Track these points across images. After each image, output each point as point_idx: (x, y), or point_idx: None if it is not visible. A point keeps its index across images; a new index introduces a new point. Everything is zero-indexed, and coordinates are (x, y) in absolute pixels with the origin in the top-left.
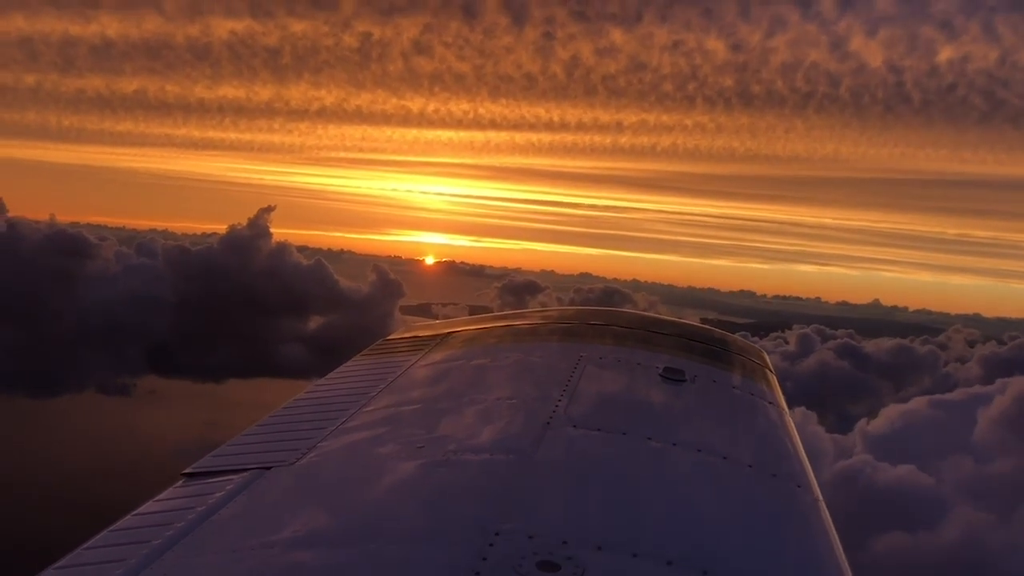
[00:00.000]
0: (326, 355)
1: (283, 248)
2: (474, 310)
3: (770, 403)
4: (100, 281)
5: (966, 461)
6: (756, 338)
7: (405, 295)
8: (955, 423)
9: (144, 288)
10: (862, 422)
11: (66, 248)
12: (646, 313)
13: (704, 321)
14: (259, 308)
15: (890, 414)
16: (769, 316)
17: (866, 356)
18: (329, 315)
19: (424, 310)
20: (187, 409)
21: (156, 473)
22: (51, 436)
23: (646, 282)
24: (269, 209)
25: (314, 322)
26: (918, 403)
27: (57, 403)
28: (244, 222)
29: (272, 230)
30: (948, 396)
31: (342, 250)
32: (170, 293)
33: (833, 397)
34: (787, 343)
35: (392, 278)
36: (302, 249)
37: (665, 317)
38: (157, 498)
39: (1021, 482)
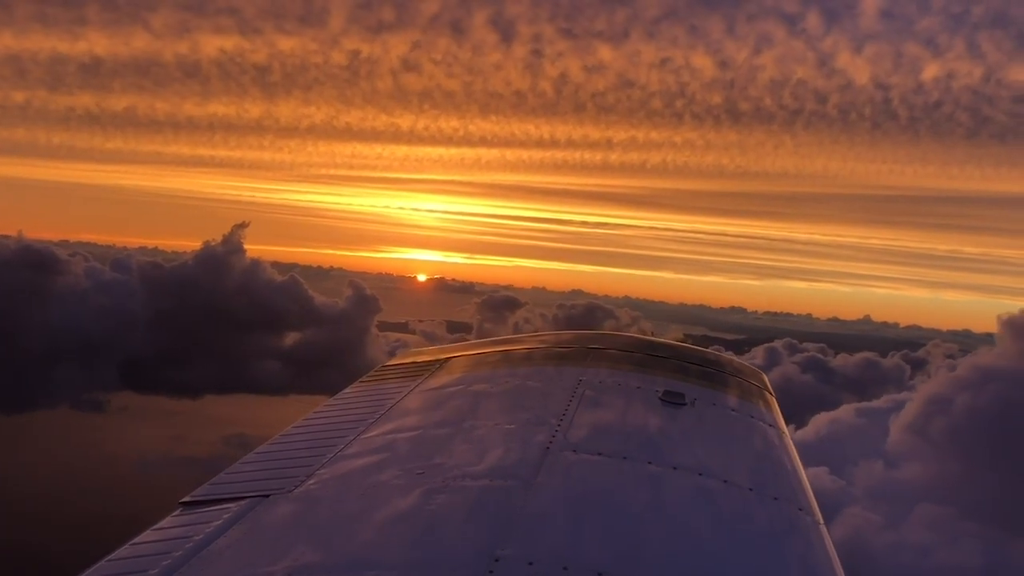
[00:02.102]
0: (302, 371)
1: (257, 264)
2: (452, 326)
3: (770, 425)
4: (71, 297)
5: (877, 466)
6: (731, 353)
7: (382, 311)
8: (876, 429)
9: (117, 304)
10: (789, 428)
11: (34, 264)
12: (645, 336)
13: (693, 337)
14: (234, 324)
15: (818, 421)
16: (759, 332)
17: (831, 370)
18: (305, 331)
19: (402, 326)
20: (160, 425)
21: (125, 488)
22: (21, 452)
23: (637, 299)
24: (243, 225)
25: (290, 338)
26: (845, 411)
27: (29, 419)
28: (236, 238)
29: (246, 246)
30: (874, 404)
31: (331, 267)
32: (144, 309)
33: (789, 410)
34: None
35: (368, 294)
36: (292, 267)
37: (664, 340)
38: (154, 527)
39: (919, 486)
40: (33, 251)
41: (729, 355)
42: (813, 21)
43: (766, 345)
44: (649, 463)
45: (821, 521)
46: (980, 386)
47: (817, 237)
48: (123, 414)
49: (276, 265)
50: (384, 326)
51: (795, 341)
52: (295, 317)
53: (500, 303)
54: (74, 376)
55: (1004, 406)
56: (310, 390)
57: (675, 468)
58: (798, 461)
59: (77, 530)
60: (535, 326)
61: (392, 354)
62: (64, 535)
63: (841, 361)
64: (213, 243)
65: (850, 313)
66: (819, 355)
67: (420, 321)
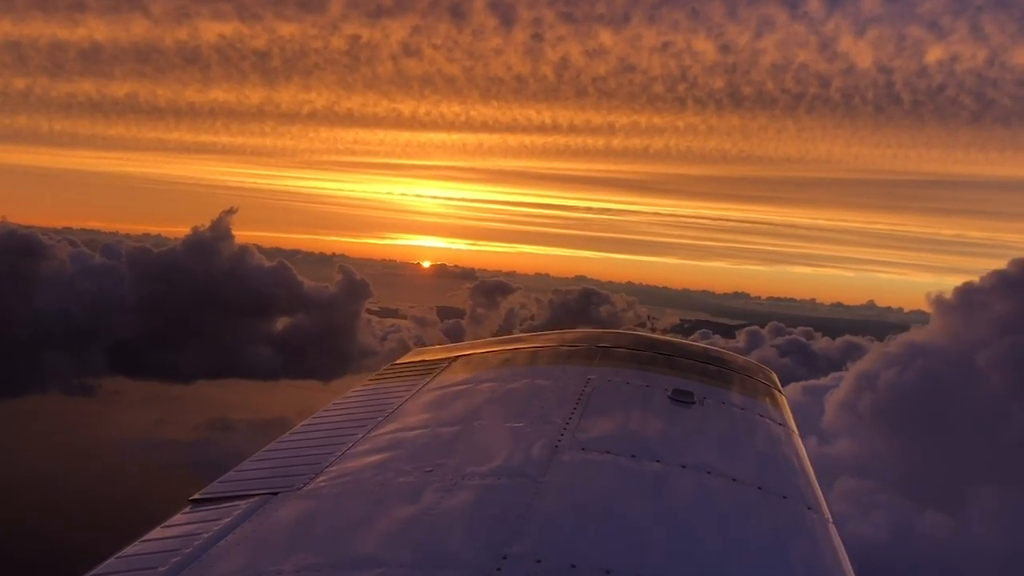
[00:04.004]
0: (293, 356)
1: (245, 250)
2: (444, 312)
3: (779, 424)
4: (59, 282)
5: (810, 442)
6: (717, 336)
7: (373, 296)
8: (818, 406)
9: (105, 289)
10: None
11: (17, 249)
12: (655, 335)
13: (690, 322)
14: (224, 309)
15: None
16: (761, 318)
17: (812, 353)
18: (296, 316)
19: (392, 312)
20: (151, 410)
21: (115, 472)
22: (11, 437)
23: (641, 285)
24: (231, 211)
25: (281, 323)
26: (791, 388)
27: (18, 404)
28: (224, 224)
29: (236, 232)
30: (820, 381)
31: (333, 254)
32: (132, 295)
33: None
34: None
35: (358, 279)
36: (294, 253)
37: (674, 339)
38: (164, 524)
39: (845, 461)
40: (16, 237)
41: (700, 332)
42: (815, 4)
43: (748, 328)
44: (658, 462)
45: (830, 519)
46: (907, 363)
47: (821, 222)
48: (114, 399)
49: (279, 251)
50: (376, 312)
51: (782, 324)
52: (285, 302)
53: (492, 288)
54: (63, 361)
55: (928, 382)
56: (302, 375)
57: (684, 467)
58: (807, 459)
59: (67, 513)
60: (531, 311)
61: (384, 339)
62: (55, 518)
63: (824, 344)
64: (201, 229)
65: (854, 298)
66: (801, 338)
67: (411, 307)
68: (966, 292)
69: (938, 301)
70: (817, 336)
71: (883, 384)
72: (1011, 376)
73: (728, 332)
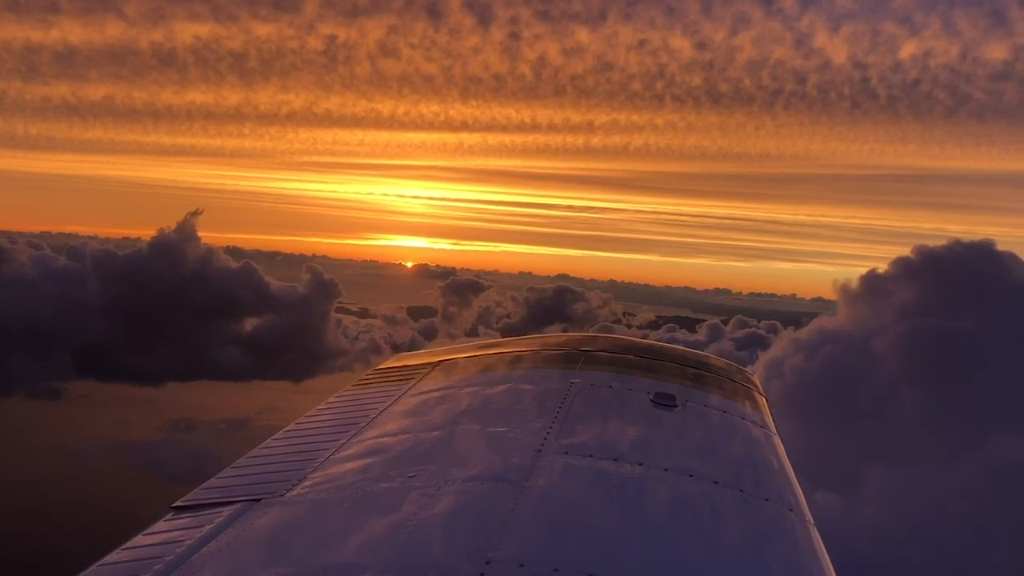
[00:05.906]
0: (263, 356)
1: (211, 251)
2: (414, 310)
3: (760, 426)
4: (19, 285)
5: None
6: (683, 331)
7: (342, 296)
8: None
9: (69, 292)
10: None
11: None
12: (638, 339)
13: (670, 318)
14: (192, 311)
15: None
16: (742, 313)
17: (771, 346)
18: (264, 317)
19: (368, 312)
20: (119, 413)
21: (82, 475)
22: None
23: (624, 282)
24: (196, 213)
25: (249, 324)
26: None
27: None
28: (190, 226)
29: (213, 234)
30: (746, 369)
31: (314, 255)
32: (98, 297)
33: None
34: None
35: (327, 279)
36: (274, 255)
37: (656, 342)
38: (146, 531)
39: None
40: None
41: (668, 327)
42: (789, 0)
43: (709, 323)
44: (640, 465)
45: (811, 521)
46: (813, 349)
47: (802, 218)
48: (81, 402)
49: (259, 254)
50: (355, 312)
51: (747, 319)
52: (252, 303)
53: (464, 287)
54: (28, 365)
55: (829, 367)
56: (273, 376)
57: (666, 470)
58: (787, 462)
59: (35, 517)
60: (507, 309)
61: (356, 339)
62: (22, 522)
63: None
64: (167, 230)
65: (835, 293)
66: (762, 332)
67: (385, 306)
68: (870, 279)
69: (844, 288)
70: (784, 330)
71: (788, 370)
72: (905, 360)
73: (688, 325)
